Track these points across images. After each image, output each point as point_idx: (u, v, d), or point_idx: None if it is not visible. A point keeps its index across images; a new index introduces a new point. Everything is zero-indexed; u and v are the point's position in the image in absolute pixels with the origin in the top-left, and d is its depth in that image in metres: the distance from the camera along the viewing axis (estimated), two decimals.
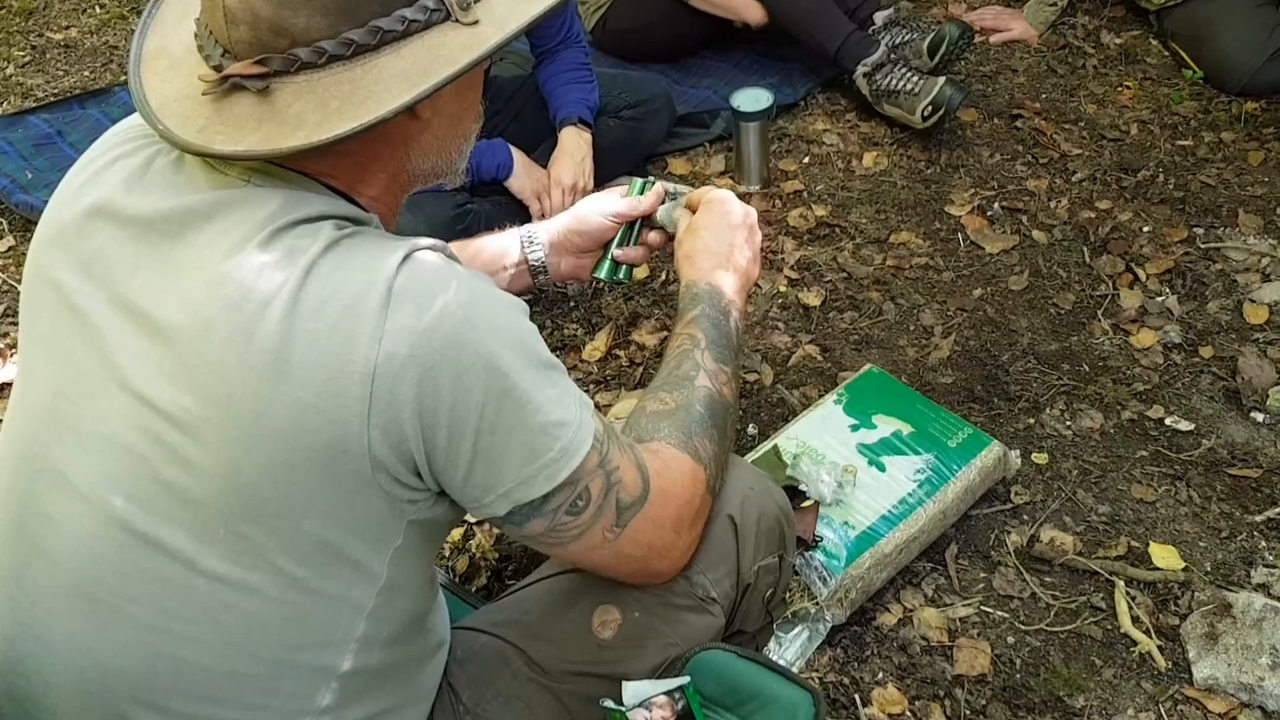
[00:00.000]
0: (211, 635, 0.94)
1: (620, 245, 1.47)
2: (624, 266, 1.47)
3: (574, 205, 1.51)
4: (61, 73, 3.23)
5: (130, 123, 1.06)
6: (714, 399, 1.18)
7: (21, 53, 3.32)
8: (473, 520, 1.83)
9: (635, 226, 1.47)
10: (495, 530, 1.82)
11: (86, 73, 3.22)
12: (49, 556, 0.96)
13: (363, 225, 0.97)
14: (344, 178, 0.99)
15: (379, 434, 0.89)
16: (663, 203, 1.46)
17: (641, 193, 1.47)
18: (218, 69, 0.92)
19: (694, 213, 1.39)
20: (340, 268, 0.90)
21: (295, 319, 0.88)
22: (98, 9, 3.54)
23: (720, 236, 1.34)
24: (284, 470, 0.89)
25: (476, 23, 0.95)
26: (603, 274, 1.47)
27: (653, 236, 1.46)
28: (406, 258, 0.91)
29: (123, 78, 3.15)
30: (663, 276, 2.40)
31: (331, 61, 0.91)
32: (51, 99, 3.07)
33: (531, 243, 1.47)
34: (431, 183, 1.09)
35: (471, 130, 1.10)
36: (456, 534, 1.82)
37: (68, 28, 3.44)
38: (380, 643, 1.01)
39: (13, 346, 2.30)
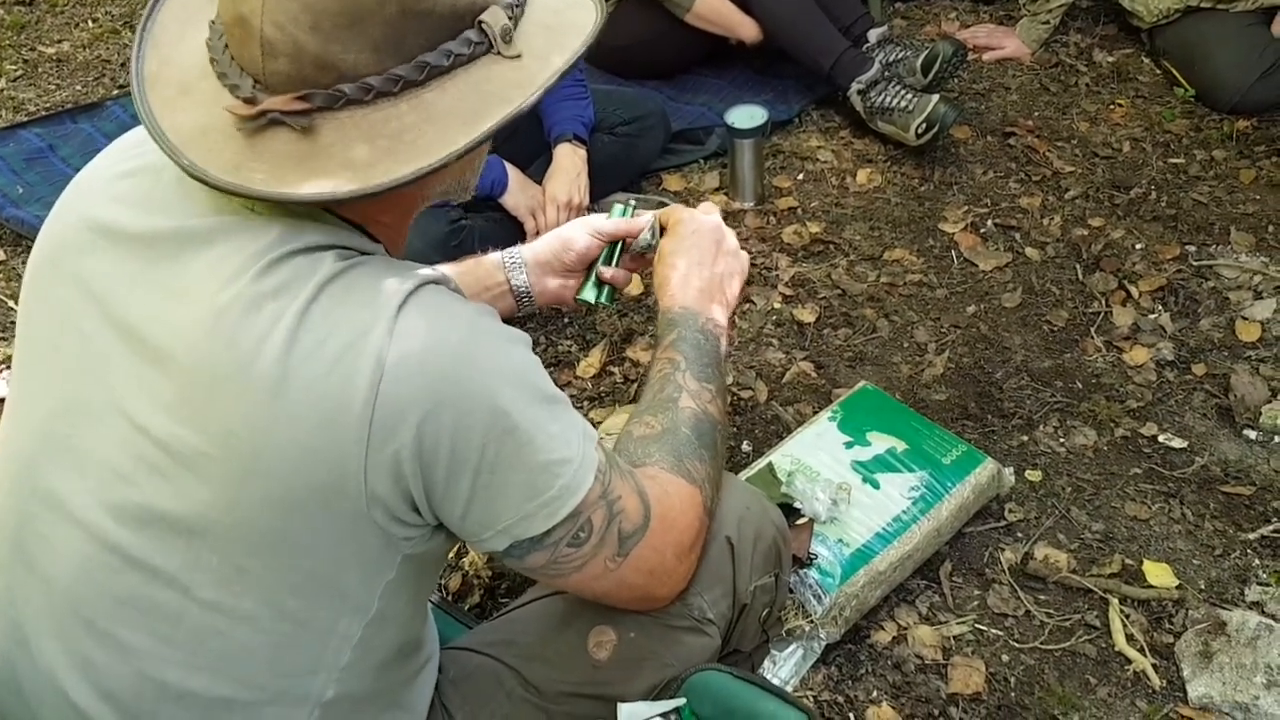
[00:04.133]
0: (200, 660, 0.94)
1: (604, 264, 1.44)
2: (607, 288, 1.45)
3: (560, 226, 1.48)
4: (54, 87, 3.23)
5: (132, 138, 1.04)
6: (700, 419, 1.16)
7: (14, 67, 3.32)
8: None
9: (618, 248, 1.44)
10: None
11: (79, 87, 3.22)
12: (43, 577, 0.96)
13: (366, 254, 0.94)
14: (356, 209, 0.96)
15: (376, 474, 0.88)
16: (649, 229, 1.42)
17: (624, 216, 1.44)
18: (248, 101, 0.88)
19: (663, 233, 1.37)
20: (340, 304, 0.88)
21: (292, 358, 0.86)
22: (90, 23, 3.54)
23: (688, 258, 1.31)
24: (280, 507, 0.88)
25: (519, 56, 0.93)
26: (588, 295, 1.45)
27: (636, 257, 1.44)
28: (408, 296, 0.89)
29: (115, 92, 3.15)
30: (652, 299, 2.39)
31: (378, 98, 0.88)
32: (43, 113, 3.06)
33: (514, 265, 1.44)
34: (440, 201, 1.08)
35: (486, 153, 1.08)
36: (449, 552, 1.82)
37: (60, 42, 3.44)
38: (366, 670, 1.00)
39: (3, 362, 2.29)
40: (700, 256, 1.31)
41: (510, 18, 0.93)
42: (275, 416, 0.86)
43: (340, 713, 1.00)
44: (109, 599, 0.93)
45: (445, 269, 1.42)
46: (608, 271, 1.43)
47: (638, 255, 1.44)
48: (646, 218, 1.42)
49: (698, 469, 1.12)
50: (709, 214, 1.37)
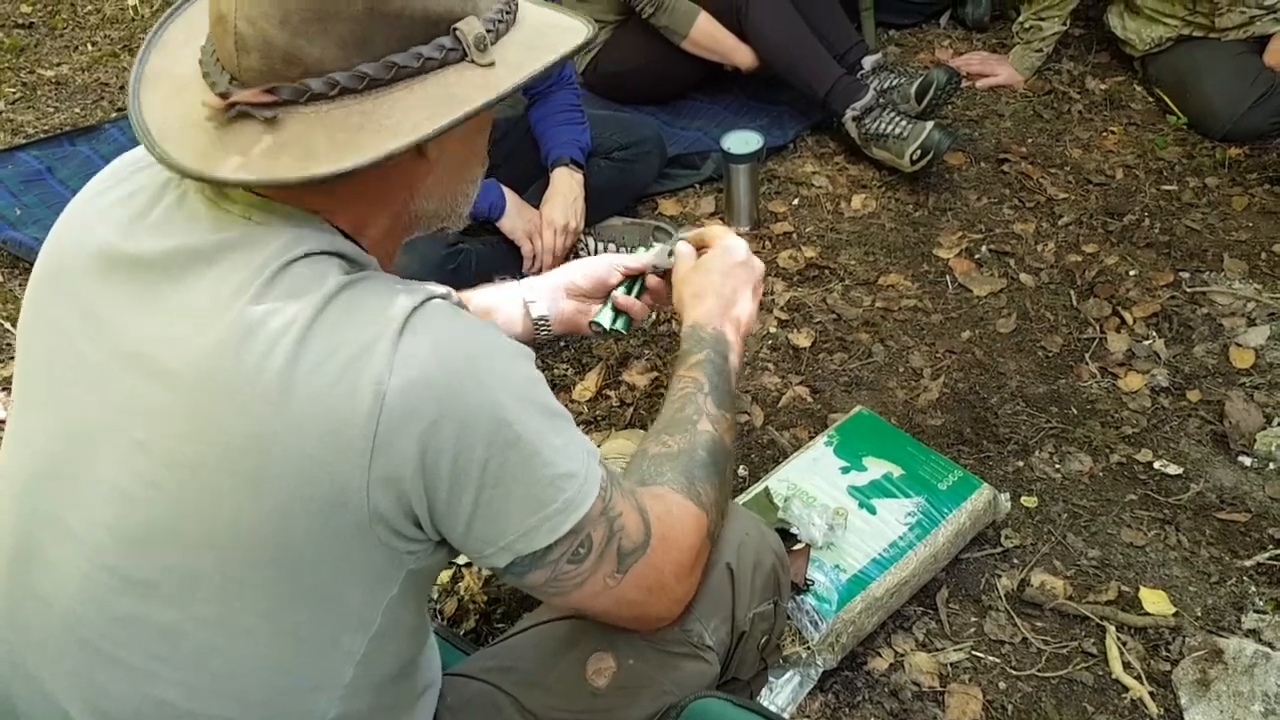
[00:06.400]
0: (201, 681, 0.93)
1: (624, 294, 1.46)
2: (623, 316, 1.46)
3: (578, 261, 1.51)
4: (52, 109, 3.24)
5: (132, 156, 1.05)
6: (715, 445, 1.17)
7: (12, 89, 3.33)
8: (461, 562, 1.81)
9: (639, 282, 1.47)
10: (484, 573, 1.81)
11: (77, 109, 3.23)
12: (43, 599, 0.96)
13: (364, 268, 0.95)
14: (347, 217, 0.97)
15: (379, 487, 0.88)
16: (664, 251, 1.45)
17: (654, 251, 1.47)
18: (224, 96, 0.90)
19: (699, 252, 1.39)
20: (345, 319, 0.89)
21: (297, 371, 0.87)
22: (89, 46, 3.55)
23: (728, 280, 1.33)
24: (283, 521, 0.88)
25: (492, 64, 0.94)
26: (603, 319, 1.46)
27: (654, 280, 1.46)
28: (413, 311, 0.90)
29: (113, 115, 3.17)
30: (653, 317, 2.40)
31: (343, 94, 0.89)
32: (42, 135, 3.07)
33: (533, 293, 1.47)
34: (434, 227, 1.08)
35: (477, 175, 1.09)
36: (444, 576, 1.81)
37: (59, 65, 3.46)
38: (368, 689, 1.00)
39: (1, 384, 2.29)
40: (738, 283, 1.34)
41: (489, 31, 0.94)
42: (279, 430, 0.87)
43: None
44: (109, 619, 0.93)
45: (470, 294, 1.43)
46: (624, 300, 1.45)
47: (657, 288, 1.46)
48: (663, 246, 1.45)
49: (707, 493, 1.13)
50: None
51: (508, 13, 0.97)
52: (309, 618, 0.93)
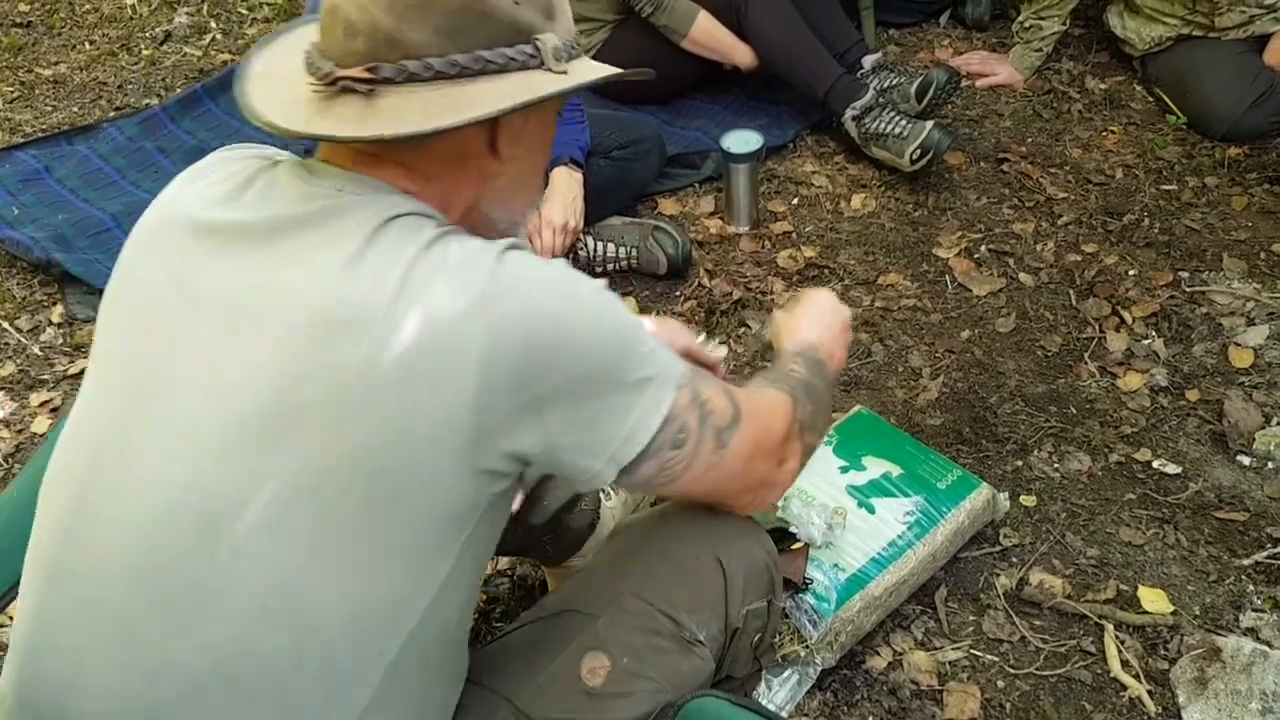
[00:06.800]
0: (275, 619, 0.94)
1: None
2: None
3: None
4: (50, 108, 3.24)
5: (219, 154, 1.12)
6: (807, 383, 1.27)
7: (10, 88, 3.33)
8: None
9: None
10: (484, 572, 1.81)
11: (75, 109, 3.23)
12: (106, 556, 0.97)
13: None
14: (433, 197, 1.04)
15: (482, 415, 0.93)
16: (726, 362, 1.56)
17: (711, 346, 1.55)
18: (327, 77, 1.00)
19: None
20: (442, 260, 0.95)
21: (400, 304, 0.92)
22: (88, 46, 3.55)
23: (820, 321, 1.43)
24: (381, 457, 0.93)
25: (565, 73, 1.05)
26: None
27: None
28: (503, 252, 0.97)
29: (111, 114, 3.17)
30: None
31: (437, 78, 0.99)
32: (40, 134, 3.07)
33: None
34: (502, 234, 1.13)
35: (535, 198, 1.18)
36: None
37: (57, 64, 3.45)
38: (432, 632, 1.01)
39: (2, 384, 2.29)
40: (832, 325, 1.44)
41: (565, 49, 1.06)
42: (382, 361, 0.92)
43: (404, 677, 1.01)
44: (174, 576, 0.94)
45: None
46: None
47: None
48: (723, 351, 1.55)
49: (796, 390, 1.22)
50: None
51: (576, 45, 1.09)
52: (393, 554, 0.95)
